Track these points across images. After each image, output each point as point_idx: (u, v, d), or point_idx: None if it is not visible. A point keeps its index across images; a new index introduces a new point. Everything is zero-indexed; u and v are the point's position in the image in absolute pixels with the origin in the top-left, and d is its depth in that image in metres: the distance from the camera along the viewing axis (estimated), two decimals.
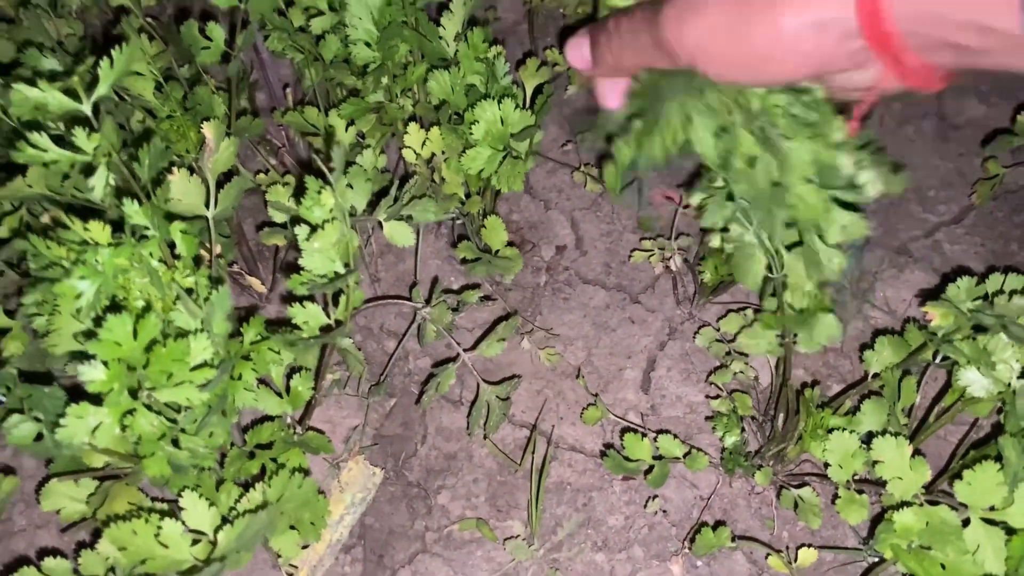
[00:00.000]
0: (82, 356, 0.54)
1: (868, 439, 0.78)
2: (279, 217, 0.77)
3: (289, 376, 0.76)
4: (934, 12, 0.51)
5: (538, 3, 1.09)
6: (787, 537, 0.85)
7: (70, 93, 0.57)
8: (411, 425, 0.95)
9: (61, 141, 0.60)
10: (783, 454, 0.83)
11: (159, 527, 0.59)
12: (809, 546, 0.79)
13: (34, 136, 0.56)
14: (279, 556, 0.76)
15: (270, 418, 0.75)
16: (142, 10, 0.82)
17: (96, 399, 0.57)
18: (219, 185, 0.74)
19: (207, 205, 0.73)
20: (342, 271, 0.65)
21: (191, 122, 0.78)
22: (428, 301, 0.88)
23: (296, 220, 0.65)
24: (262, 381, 0.74)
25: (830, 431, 0.77)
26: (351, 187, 0.67)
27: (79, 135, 0.57)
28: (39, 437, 0.65)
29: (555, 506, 0.88)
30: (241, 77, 0.84)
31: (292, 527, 0.71)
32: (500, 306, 1.00)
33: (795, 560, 0.79)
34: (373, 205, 0.76)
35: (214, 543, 0.62)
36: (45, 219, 0.77)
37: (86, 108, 0.57)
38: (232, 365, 0.62)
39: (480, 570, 0.85)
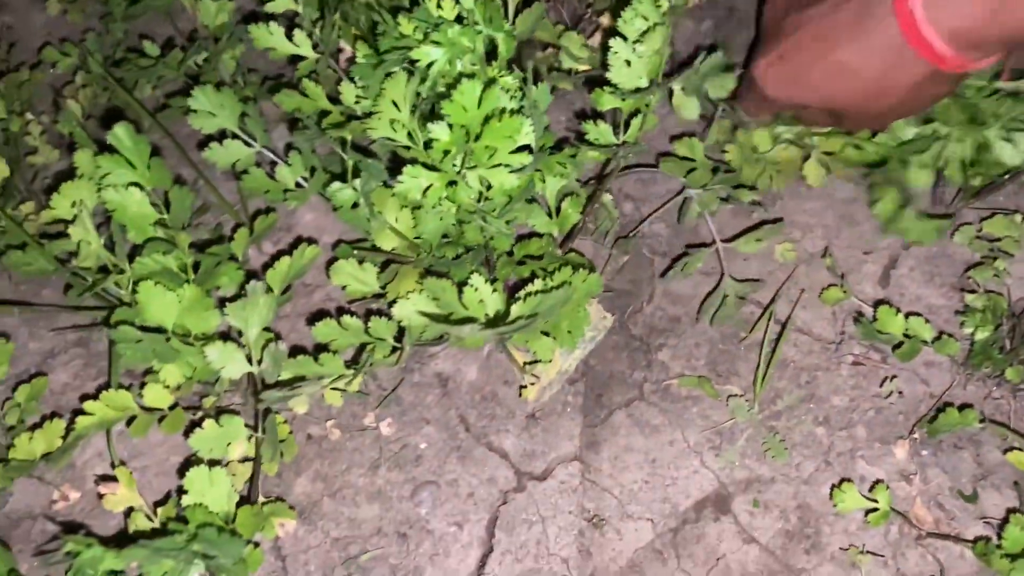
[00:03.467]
0: (433, 117, 0.59)
1: None
2: None
3: (561, 199, 0.80)
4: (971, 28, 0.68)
5: None
6: None
7: None
8: (640, 284, 0.98)
9: None
10: None
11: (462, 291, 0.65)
12: None
13: None
14: (524, 365, 0.82)
15: (538, 235, 0.80)
16: None
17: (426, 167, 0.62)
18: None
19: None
20: (646, 86, 0.68)
21: None
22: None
23: (611, 33, 0.68)
24: (533, 200, 0.79)
25: None
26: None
27: None
28: (354, 205, 0.72)
29: (777, 380, 0.89)
30: None
31: (546, 334, 0.76)
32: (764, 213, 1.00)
33: None
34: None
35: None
36: None
37: None
38: (542, 158, 0.66)
39: (695, 425, 0.88)
